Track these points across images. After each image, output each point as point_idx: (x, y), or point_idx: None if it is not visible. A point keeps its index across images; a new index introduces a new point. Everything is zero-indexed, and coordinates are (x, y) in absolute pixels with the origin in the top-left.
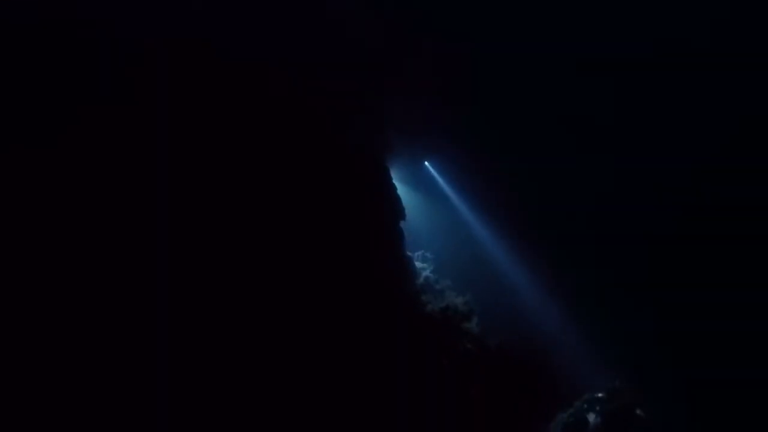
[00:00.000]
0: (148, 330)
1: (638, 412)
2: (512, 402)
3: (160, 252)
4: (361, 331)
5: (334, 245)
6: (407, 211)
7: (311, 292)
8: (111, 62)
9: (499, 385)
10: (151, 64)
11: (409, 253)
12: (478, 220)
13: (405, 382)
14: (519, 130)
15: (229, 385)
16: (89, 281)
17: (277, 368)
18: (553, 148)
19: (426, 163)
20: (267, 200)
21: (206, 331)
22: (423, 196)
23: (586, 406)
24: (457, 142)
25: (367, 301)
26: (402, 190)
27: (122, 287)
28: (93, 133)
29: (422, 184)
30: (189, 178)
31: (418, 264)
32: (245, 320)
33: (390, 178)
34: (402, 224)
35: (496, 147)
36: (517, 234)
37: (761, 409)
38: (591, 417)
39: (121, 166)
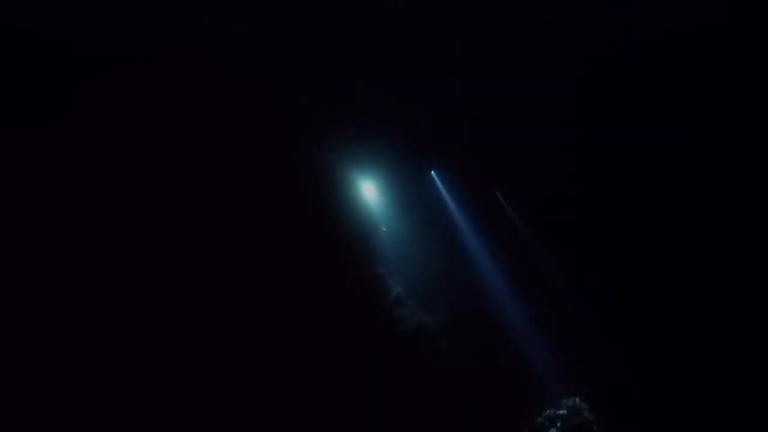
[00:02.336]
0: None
1: (595, 429)
2: (477, 418)
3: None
4: (329, 346)
5: (302, 261)
6: (390, 227)
7: (278, 307)
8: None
9: (465, 402)
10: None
11: (381, 270)
12: (469, 228)
13: (373, 398)
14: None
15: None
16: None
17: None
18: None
19: (432, 172)
20: (231, 209)
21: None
22: (411, 210)
23: (547, 422)
24: (467, 151)
25: (336, 317)
26: (387, 204)
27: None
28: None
29: (421, 194)
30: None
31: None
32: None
33: (363, 194)
34: (377, 240)
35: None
36: (504, 246)
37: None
38: None
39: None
